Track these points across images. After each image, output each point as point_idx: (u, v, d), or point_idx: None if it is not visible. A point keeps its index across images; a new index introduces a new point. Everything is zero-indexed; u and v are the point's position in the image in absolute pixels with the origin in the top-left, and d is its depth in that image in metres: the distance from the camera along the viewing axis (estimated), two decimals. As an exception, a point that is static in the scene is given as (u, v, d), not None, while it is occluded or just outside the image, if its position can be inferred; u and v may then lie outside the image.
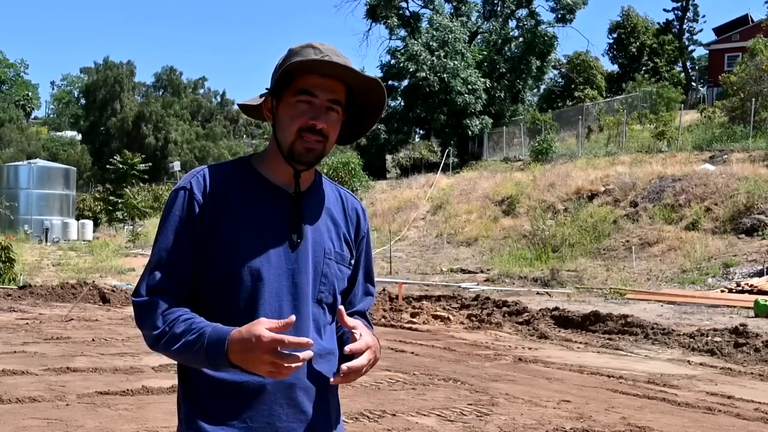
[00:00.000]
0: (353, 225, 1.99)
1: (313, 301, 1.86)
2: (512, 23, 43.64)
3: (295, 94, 1.82)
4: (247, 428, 1.78)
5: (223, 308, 1.81)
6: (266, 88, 1.90)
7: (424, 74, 37.92)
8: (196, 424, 1.80)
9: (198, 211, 1.82)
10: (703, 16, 77.83)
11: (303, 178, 1.88)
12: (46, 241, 28.52)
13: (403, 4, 43.67)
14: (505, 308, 13.30)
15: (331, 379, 1.82)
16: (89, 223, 31.84)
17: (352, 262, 1.97)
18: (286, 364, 1.63)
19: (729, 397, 7.11)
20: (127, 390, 6.68)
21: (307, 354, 1.64)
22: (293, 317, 1.66)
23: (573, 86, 49.33)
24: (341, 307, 1.85)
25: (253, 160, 1.93)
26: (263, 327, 1.63)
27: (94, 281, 17.19)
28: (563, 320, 12.34)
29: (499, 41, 42.14)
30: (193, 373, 1.82)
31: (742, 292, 15.58)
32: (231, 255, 1.80)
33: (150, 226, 28.93)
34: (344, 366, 1.78)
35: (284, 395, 1.80)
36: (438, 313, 13.05)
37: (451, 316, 12.87)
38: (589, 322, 12.00)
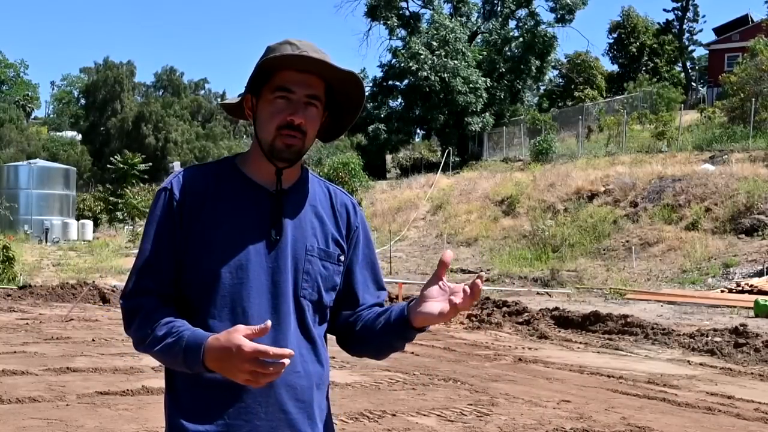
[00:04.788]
0: (343, 221, 1.97)
1: (293, 298, 1.85)
2: (512, 23, 43.67)
3: (273, 91, 1.83)
4: (226, 425, 1.78)
5: (204, 308, 1.81)
6: (245, 87, 1.90)
7: (425, 73, 37.91)
8: (176, 422, 1.80)
9: (177, 211, 1.84)
10: (703, 16, 77.84)
11: (286, 176, 1.88)
12: (46, 241, 28.50)
13: (403, 4, 43.73)
14: (505, 308, 13.29)
15: (477, 281, 1.69)
16: (89, 223, 31.80)
17: (342, 258, 1.95)
18: (265, 373, 1.62)
19: (729, 397, 7.11)
20: (127, 390, 6.68)
21: (286, 362, 1.62)
22: (269, 323, 1.63)
23: (573, 86, 49.34)
24: (448, 254, 1.75)
25: (237, 160, 1.94)
26: (241, 336, 1.62)
27: (94, 281, 17.18)
28: (563, 320, 12.34)
29: (499, 41, 42.14)
30: (177, 371, 1.82)
31: (742, 292, 15.58)
32: (209, 254, 1.81)
33: (150, 226, 28.89)
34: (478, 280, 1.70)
35: (264, 393, 1.79)
36: (438, 313, 13.03)
37: (451, 316, 12.85)
38: (589, 322, 12.00)
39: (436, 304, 1.74)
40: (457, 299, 1.71)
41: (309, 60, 1.80)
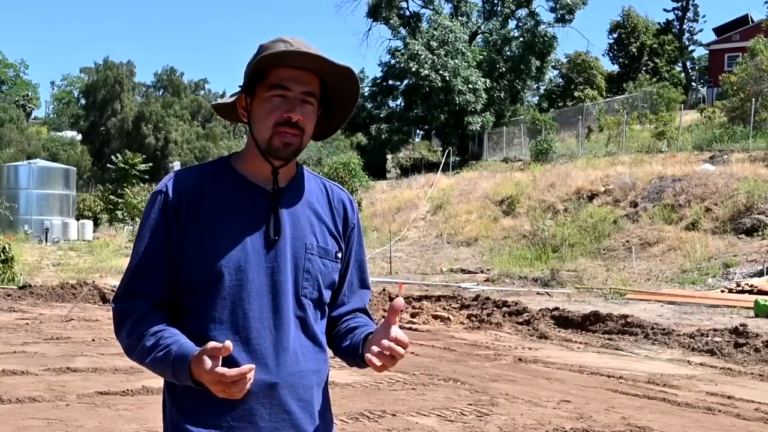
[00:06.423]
0: (340, 217, 1.96)
1: (294, 297, 1.84)
2: (512, 23, 43.70)
3: (269, 89, 1.81)
4: (230, 427, 1.77)
5: (204, 311, 1.80)
6: (239, 86, 1.88)
7: (425, 72, 37.91)
8: (179, 425, 1.79)
9: (173, 214, 1.82)
10: (703, 16, 77.90)
11: (282, 174, 1.87)
12: (46, 241, 28.49)
13: (404, 4, 43.75)
14: (505, 308, 13.29)
15: (368, 355, 1.74)
16: (89, 223, 31.79)
17: (339, 255, 1.94)
18: (232, 391, 1.64)
19: (729, 397, 7.10)
20: (127, 390, 6.68)
21: (251, 374, 1.64)
22: (229, 343, 1.62)
23: (573, 86, 49.32)
24: (398, 301, 1.76)
25: (232, 160, 1.92)
26: (206, 358, 1.63)
27: (94, 281, 17.19)
28: (563, 320, 12.34)
29: (499, 41, 42.15)
30: None
31: (742, 292, 15.57)
32: (207, 256, 1.79)
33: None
34: (385, 341, 1.73)
35: (267, 394, 1.78)
36: (438, 313, 13.04)
37: (451, 316, 12.87)
38: (589, 322, 11.99)
39: (377, 355, 1.75)
40: (381, 361, 1.73)
41: (306, 56, 1.78)
